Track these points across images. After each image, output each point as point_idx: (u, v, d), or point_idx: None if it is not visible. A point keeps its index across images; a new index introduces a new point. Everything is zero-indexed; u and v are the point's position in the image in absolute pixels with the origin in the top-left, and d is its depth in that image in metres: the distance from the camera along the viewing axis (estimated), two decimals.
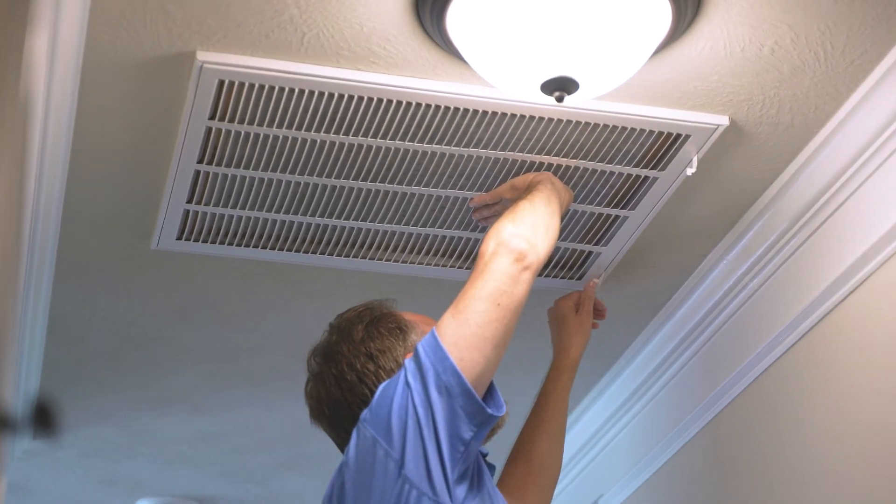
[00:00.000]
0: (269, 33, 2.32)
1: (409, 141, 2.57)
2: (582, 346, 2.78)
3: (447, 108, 2.49)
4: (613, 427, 3.61)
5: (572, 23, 2.19)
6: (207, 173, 2.65)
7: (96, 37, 2.32)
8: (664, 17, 2.25)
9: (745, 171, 2.71)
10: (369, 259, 2.92)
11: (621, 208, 2.78)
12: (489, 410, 2.15)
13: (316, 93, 2.44)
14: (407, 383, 2.15)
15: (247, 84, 2.41)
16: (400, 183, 2.70)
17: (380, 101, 2.46)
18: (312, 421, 2.34)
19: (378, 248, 2.90)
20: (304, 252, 2.89)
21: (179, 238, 2.84)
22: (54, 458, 4.04)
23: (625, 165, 2.66)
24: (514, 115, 2.52)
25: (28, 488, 4.22)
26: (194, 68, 2.37)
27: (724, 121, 2.54)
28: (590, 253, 2.92)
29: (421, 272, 2.96)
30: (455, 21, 2.26)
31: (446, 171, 2.67)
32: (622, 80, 2.34)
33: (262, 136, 2.55)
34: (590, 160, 2.65)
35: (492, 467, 2.36)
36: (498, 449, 2.48)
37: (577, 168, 2.66)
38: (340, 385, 2.27)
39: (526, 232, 2.27)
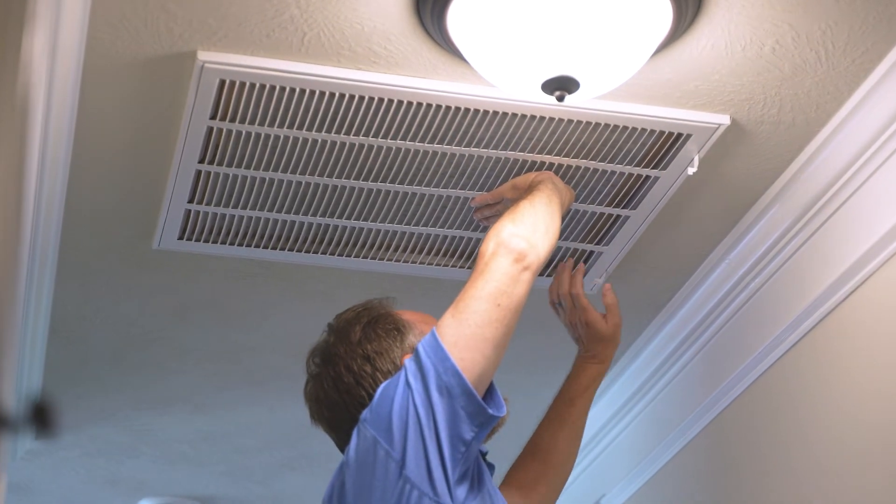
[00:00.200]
0: (270, 33, 2.32)
1: (410, 140, 2.57)
2: (614, 351, 2.73)
3: (448, 108, 2.49)
4: (615, 427, 3.60)
5: (573, 22, 2.19)
6: (209, 173, 2.65)
7: (97, 36, 2.32)
8: (665, 17, 2.25)
9: (747, 171, 2.70)
10: (371, 259, 2.92)
11: (623, 208, 2.78)
12: (490, 411, 2.15)
13: (317, 92, 2.44)
14: (408, 384, 2.15)
15: (248, 84, 2.41)
16: (401, 183, 2.69)
17: (380, 100, 2.46)
18: (313, 421, 2.34)
19: (379, 247, 2.90)
20: (305, 252, 2.89)
21: (181, 238, 2.84)
22: (56, 458, 4.04)
23: (626, 165, 2.66)
24: (514, 115, 2.52)
25: (30, 488, 4.22)
26: (195, 68, 2.37)
27: (725, 120, 2.54)
28: (591, 252, 2.92)
29: (422, 272, 2.96)
30: (456, 20, 2.26)
31: (447, 171, 2.67)
32: (623, 80, 2.34)
33: (263, 135, 2.55)
34: (591, 160, 2.64)
35: (491, 466, 2.35)
36: (498, 448, 2.48)
37: (578, 167, 2.66)
38: (338, 387, 2.26)
39: (526, 232, 2.27)
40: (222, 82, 2.41)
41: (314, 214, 2.78)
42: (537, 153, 2.62)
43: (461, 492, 2.13)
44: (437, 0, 2.23)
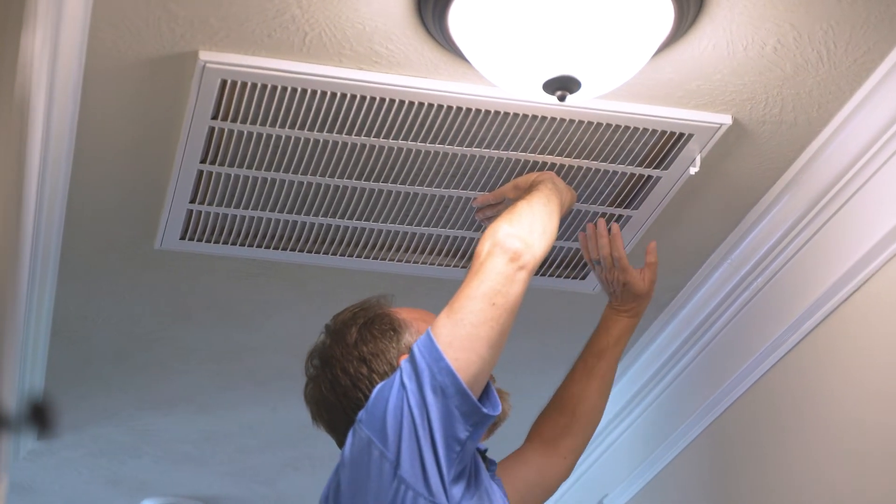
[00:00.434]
0: (272, 33, 2.32)
1: (411, 140, 2.57)
2: (647, 306, 2.78)
3: (449, 108, 2.49)
4: (618, 427, 3.60)
5: (574, 22, 2.19)
6: (210, 173, 2.65)
7: (98, 36, 2.32)
8: (666, 16, 2.25)
9: (749, 170, 2.70)
10: (372, 259, 2.92)
11: (624, 208, 2.78)
12: (485, 410, 2.14)
13: (318, 92, 2.44)
14: (402, 384, 2.14)
15: (249, 84, 2.41)
16: (403, 183, 2.69)
17: (382, 100, 2.46)
18: (314, 422, 2.34)
19: (381, 247, 2.90)
20: (307, 252, 2.89)
21: (183, 238, 2.84)
22: (59, 458, 4.05)
23: (627, 165, 2.66)
24: (516, 115, 2.52)
25: (33, 488, 4.22)
26: (197, 68, 2.37)
27: (727, 120, 2.54)
28: None
29: (424, 272, 2.96)
30: (457, 20, 2.26)
31: (449, 171, 2.67)
32: (624, 80, 2.34)
33: (264, 135, 2.55)
34: (592, 160, 2.64)
35: (492, 463, 2.35)
36: (499, 448, 2.48)
37: (579, 168, 2.66)
38: (335, 389, 2.26)
39: (521, 232, 2.27)
40: (224, 82, 2.41)
41: (316, 214, 2.78)
42: (539, 153, 2.62)
43: (457, 491, 2.13)
44: (439, 0, 2.24)
